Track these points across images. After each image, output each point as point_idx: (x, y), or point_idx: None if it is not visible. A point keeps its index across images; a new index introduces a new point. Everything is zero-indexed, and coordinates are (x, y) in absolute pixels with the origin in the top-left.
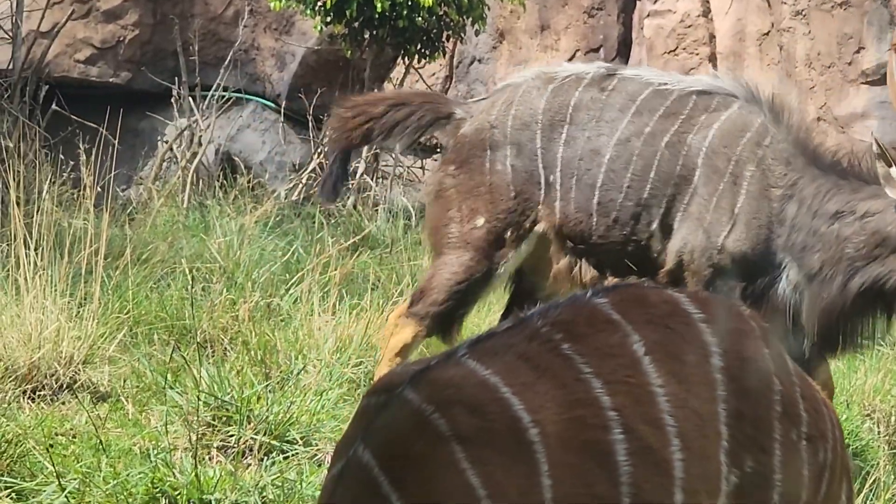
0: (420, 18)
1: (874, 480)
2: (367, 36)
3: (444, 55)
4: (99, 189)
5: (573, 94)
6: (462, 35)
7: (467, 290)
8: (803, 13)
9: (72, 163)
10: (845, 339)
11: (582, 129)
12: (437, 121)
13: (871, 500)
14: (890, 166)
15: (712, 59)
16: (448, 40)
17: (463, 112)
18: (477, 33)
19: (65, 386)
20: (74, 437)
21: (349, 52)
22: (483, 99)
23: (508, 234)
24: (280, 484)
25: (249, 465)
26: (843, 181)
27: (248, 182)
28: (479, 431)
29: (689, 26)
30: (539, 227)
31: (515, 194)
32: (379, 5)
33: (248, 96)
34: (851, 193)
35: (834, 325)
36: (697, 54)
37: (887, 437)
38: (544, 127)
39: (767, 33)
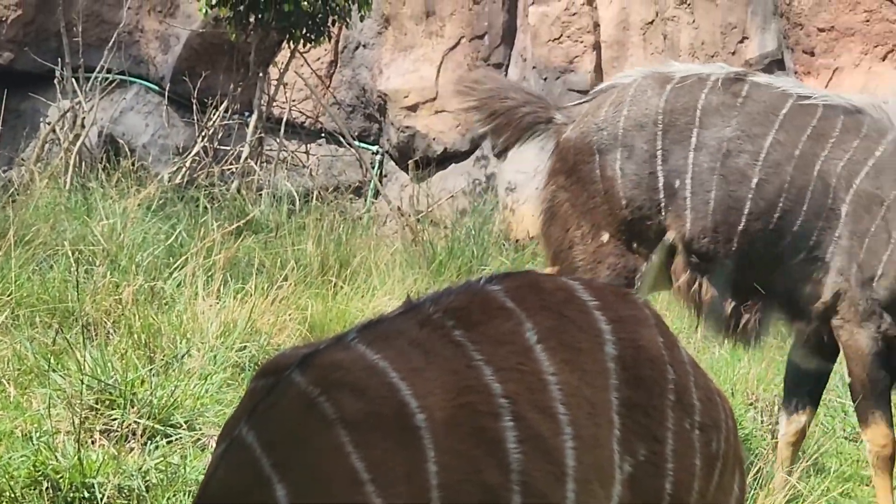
0: (306, 3)
1: (758, 470)
2: (252, 19)
3: (330, 40)
4: None
5: (699, 96)
6: (347, 20)
7: None
8: (688, 2)
9: None
10: None
11: (716, 137)
12: (536, 125)
13: (756, 489)
14: None
15: (596, 47)
16: (333, 25)
17: (563, 117)
18: (362, 18)
19: None
20: None
21: (234, 35)
22: (584, 102)
23: (636, 244)
24: (163, 468)
25: (133, 449)
26: None
27: (132, 165)
28: (366, 415)
29: (574, 14)
30: (668, 236)
31: (627, 201)
32: None
33: (131, 78)
34: None
35: None
36: (581, 42)
37: (770, 427)
38: (666, 128)
39: (651, 22)
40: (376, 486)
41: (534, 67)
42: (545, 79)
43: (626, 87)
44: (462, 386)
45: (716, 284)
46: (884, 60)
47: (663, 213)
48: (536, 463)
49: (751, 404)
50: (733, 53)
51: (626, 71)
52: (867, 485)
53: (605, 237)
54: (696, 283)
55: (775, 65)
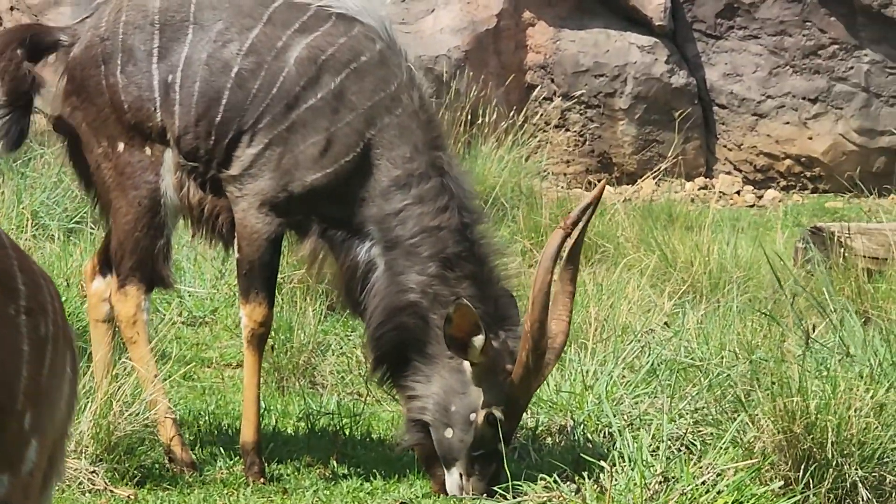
0: None
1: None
2: None
3: None
4: None
5: None
6: None
7: (149, 225)
8: None
9: None
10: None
11: (207, 30)
12: (41, 53)
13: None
14: (476, 333)
15: None
16: None
17: (69, 36)
18: None
19: None
20: None
21: None
22: (87, 17)
23: (148, 149)
24: None
25: None
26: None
27: None
28: None
29: None
30: (168, 136)
31: (129, 105)
32: None
33: None
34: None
35: (379, 323)
36: None
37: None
38: (163, 27)
39: None
40: None
41: None
42: None
43: None
44: None
45: (200, 185)
46: None
47: (159, 112)
48: None
49: (86, 296)
50: None
51: None
52: (208, 366)
53: (121, 147)
54: (185, 187)
55: None
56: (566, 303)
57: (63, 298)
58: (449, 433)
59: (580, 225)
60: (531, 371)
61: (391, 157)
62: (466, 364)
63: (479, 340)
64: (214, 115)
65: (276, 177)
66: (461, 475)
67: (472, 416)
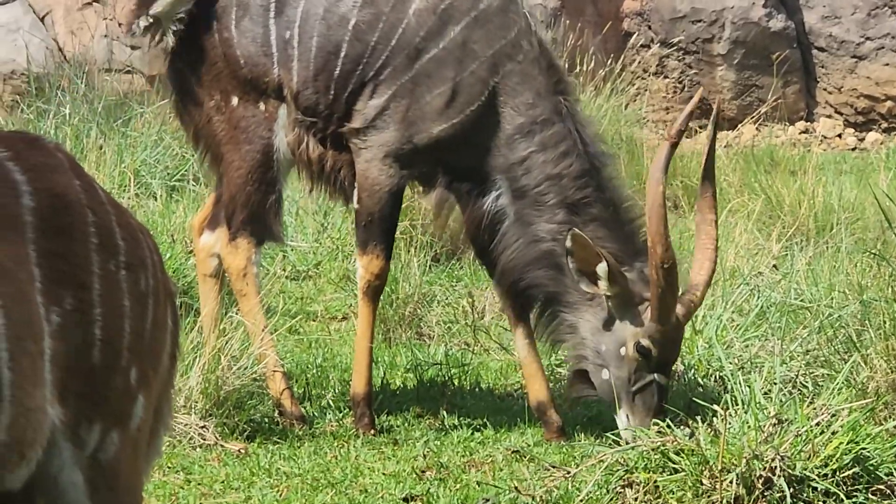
0: None
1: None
2: None
3: None
4: None
5: None
6: None
7: (262, 180)
8: None
9: None
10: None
11: None
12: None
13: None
14: (598, 262)
15: None
16: None
17: None
18: None
19: None
20: None
21: None
22: None
23: (263, 104)
24: None
25: None
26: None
27: None
28: None
29: None
30: (285, 91)
31: (245, 59)
32: None
33: None
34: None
35: (515, 278)
36: None
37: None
38: None
39: None
40: None
41: None
42: None
43: None
44: None
45: (320, 140)
46: None
47: (276, 68)
48: None
49: (190, 252)
50: None
51: None
52: (314, 320)
53: (235, 101)
54: (304, 142)
55: None
56: (709, 231)
57: (167, 255)
58: (605, 374)
59: (707, 144)
60: (666, 290)
61: (514, 105)
62: (605, 302)
63: (602, 268)
64: (333, 69)
65: (401, 128)
66: (627, 415)
67: (622, 350)
